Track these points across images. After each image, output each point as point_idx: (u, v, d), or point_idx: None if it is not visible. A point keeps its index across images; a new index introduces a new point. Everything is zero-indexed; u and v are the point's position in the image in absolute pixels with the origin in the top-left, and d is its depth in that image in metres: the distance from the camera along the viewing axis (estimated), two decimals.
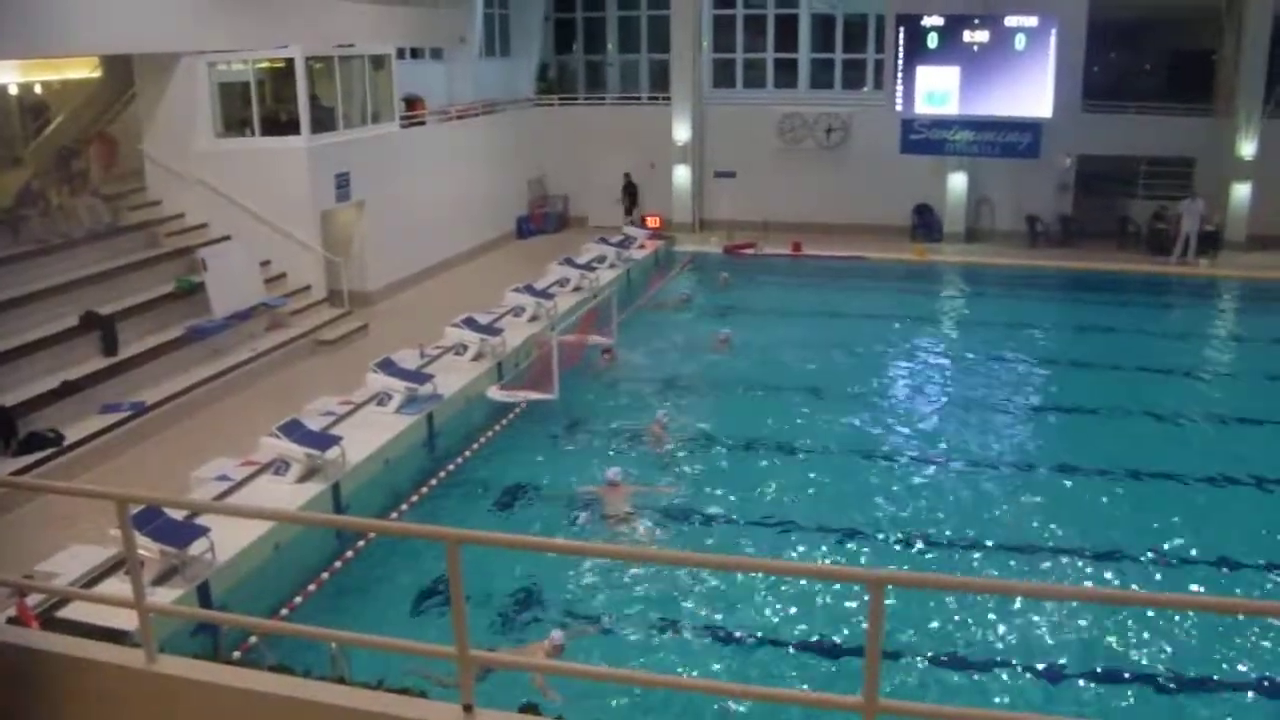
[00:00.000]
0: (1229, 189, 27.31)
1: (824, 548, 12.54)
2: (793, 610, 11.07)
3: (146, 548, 10.59)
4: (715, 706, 9.08)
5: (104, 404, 15.22)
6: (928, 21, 27.07)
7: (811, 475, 14.61)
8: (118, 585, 10.23)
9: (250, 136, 20.51)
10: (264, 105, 20.75)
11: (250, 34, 20.09)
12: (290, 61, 20.18)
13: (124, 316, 16.71)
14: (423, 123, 25.44)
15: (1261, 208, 26.98)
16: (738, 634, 10.77)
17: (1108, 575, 11.88)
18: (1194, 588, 11.55)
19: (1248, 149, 26.89)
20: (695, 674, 9.69)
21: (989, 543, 12.62)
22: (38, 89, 20.70)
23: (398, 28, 25.10)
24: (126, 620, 7.89)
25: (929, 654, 10.28)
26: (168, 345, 17.01)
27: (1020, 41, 26.56)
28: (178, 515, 11.24)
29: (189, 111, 20.01)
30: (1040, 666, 10.17)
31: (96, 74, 20.73)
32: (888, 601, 7.62)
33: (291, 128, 20.45)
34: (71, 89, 20.90)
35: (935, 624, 10.71)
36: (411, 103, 25.37)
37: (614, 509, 13.43)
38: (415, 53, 27.41)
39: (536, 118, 31.38)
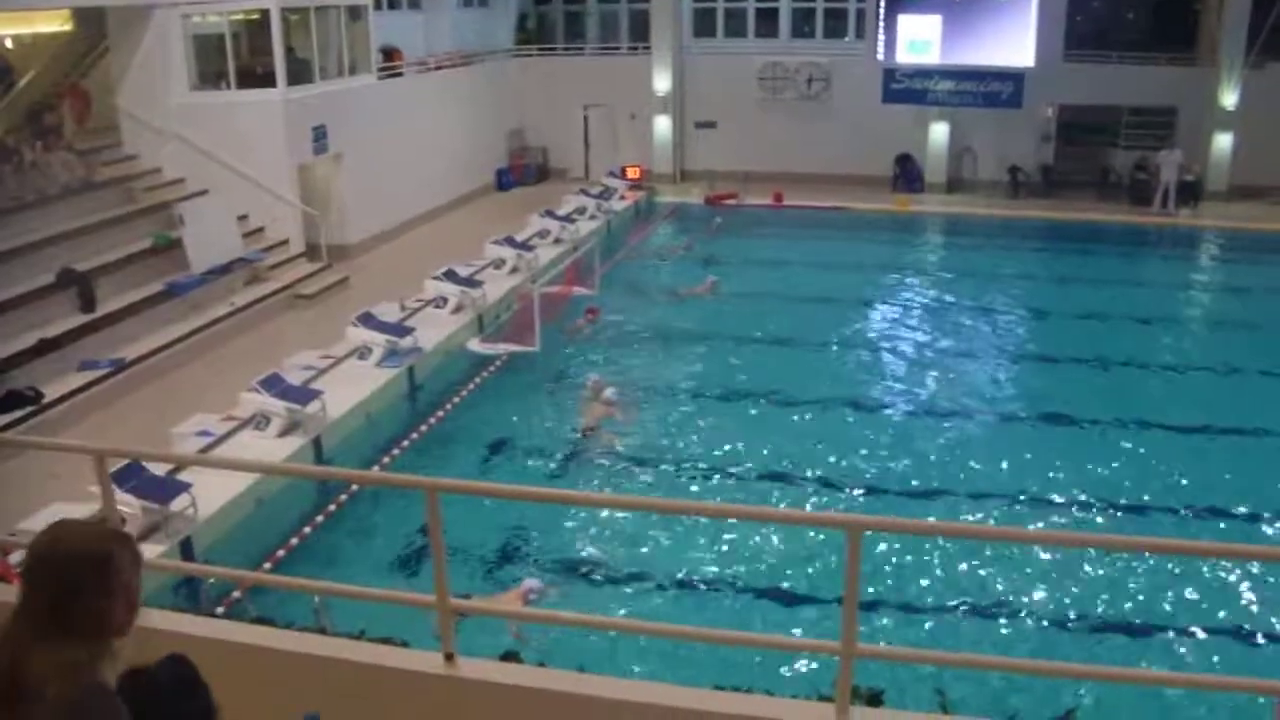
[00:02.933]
0: (1211, 139, 27.30)
1: (805, 495, 12.60)
2: (773, 556, 11.15)
3: (128, 504, 10.58)
4: (693, 652, 9.14)
5: (83, 361, 15.11)
6: None
7: (791, 423, 14.69)
8: None
9: (226, 89, 20.29)
10: (239, 57, 20.52)
11: None
12: (265, 12, 19.91)
13: (101, 273, 16.58)
14: (400, 74, 25.20)
15: (1243, 158, 26.98)
16: (717, 579, 10.85)
17: (1086, 520, 11.98)
18: (1170, 532, 11.67)
19: (1230, 99, 26.85)
20: (674, 620, 9.75)
21: (967, 490, 12.70)
22: (8, 43, 20.41)
23: None
24: None
25: (907, 600, 10.38)
26: (146, 301, 16.89)
27: None
28: (159, 472, 11.22)
29: (164, 64, 19.75)
30: (1021, 611, 10.29)
31: (69, 27, 20.44)
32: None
33: (267, 80, 20.20)
34: (43, 42, 20.62)
35: (914, 570, 10.82)
36: (389, 53, 25.10)
37: (591, 422, 14.23)
38: (392, 3, 27.06)
39: (515, 69, 31.11)
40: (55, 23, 20.30)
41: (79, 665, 2.88)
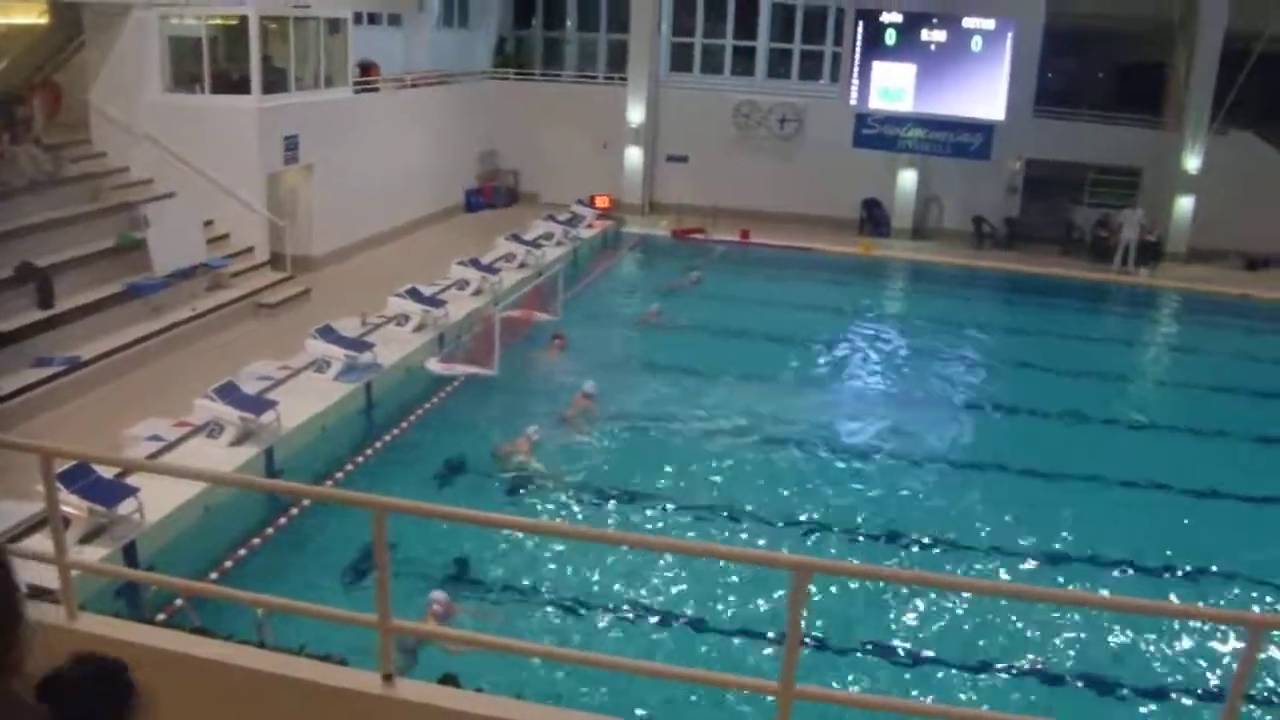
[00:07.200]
0: (1173, 201, 27.74)
1: (750, 534, 12.67)
2: (714, 593, 11.20)
3: (74, 505, 10.49)
4: (629, 685, 9.16)
5: (38, 357, 14.96)
6: (887, 18, 27.16)
7: (739, 459, 14.79)
8: (43, 542, 10.09)
9: (200, 93, 20.21)
10: (215, 62, 20.45)
11: None
12: (244, 19, 19.90)
13: (62, 269, 16.39)
14: (376, 89, 25.20)
15: (1203, 222, 27.44)
16: (658, 614, 10.88)
17: (1032, 571, 12.11)
18: (1109, 586, 11.80)
19: (1193, 163, 27.30)
20: (611, 651, 9.76)
21: (913, 536, 12.80)
22: None
23: None
24: (51, 577, 7.80)
25: (851, 643, 10.44)
26: (106, 301, 16.73)
27: (977, 43, 26.73)
28: (108, 474, 11.13)
29: (138, 64, 19.67)
30: (964, 659, 10.36)
31: (44, 20, 20.31)
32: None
33: (242, 86, 20.17)
34: (17, 34, 20.47)
35: (858, 614, 10.89)
36: (366, 68, 25.11)
37: (575, 415, 15.36)
38: (373, 18, 27.10)
39: (491, 91, 31.17)
40: (30, 15, 20.15)
41: None
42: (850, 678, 9.91)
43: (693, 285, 24.05)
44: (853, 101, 27.96)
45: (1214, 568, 12.29)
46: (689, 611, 10.95)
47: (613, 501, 13.31)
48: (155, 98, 19.89)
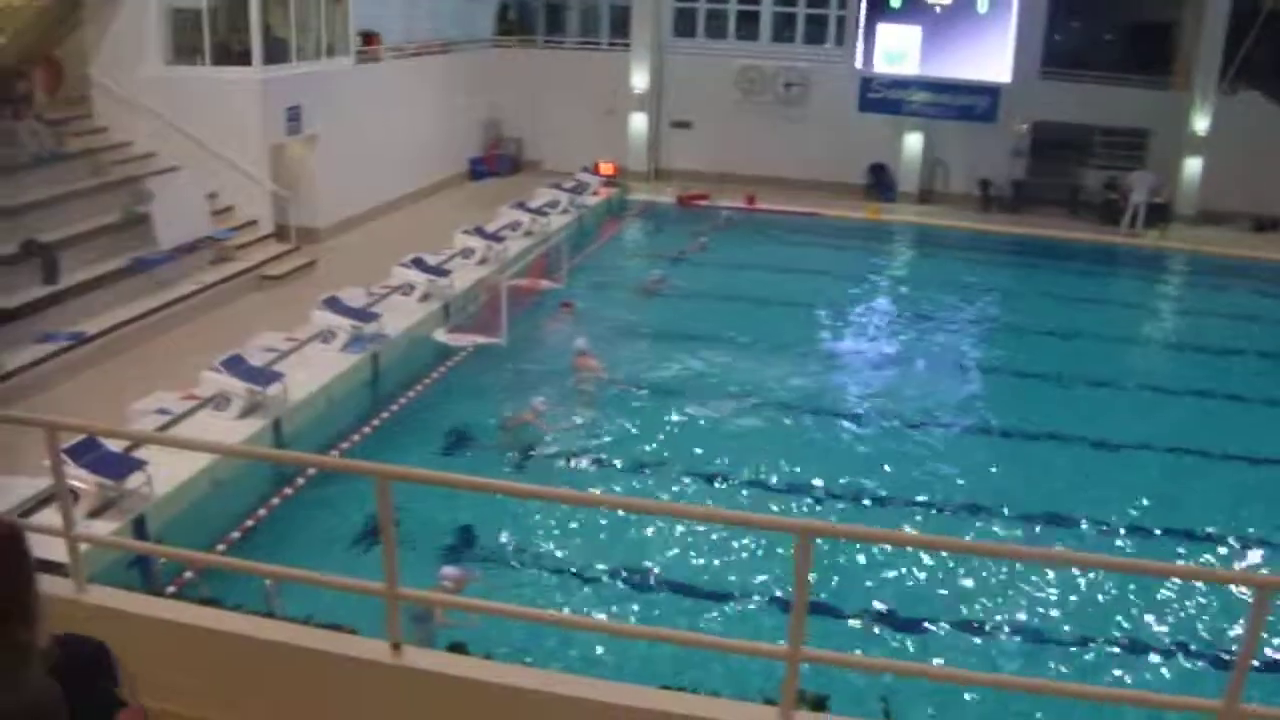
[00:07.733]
0: (1181, 163, 27.55)
1: (755, 498, 12.67)
2: (721, 559, 11.21)
3: (83, 479, 10.52)
4: (637, 650, 9.18)
5: (43, 333, 14.95)
6: None
7: (745, 427, 14.77)
8: (53, 516, 10.12)
9: (201, 65, 20.13)
10: (216, 34, 20.35)
11: None
12: None
13: (66, 245, 16.35)
14: (378, 59, 25.08)
15: (1212, 182, 27.24)
16: (665, 579, 10.89)
17: (1038, 534, 12.10)
18: (1120, 548, 11.80)
19: (1201, 124, 27.09)
20: (619, 618, 9.79)
21: (920, 499, 12.81)
22: None
23: None
24: (61, 551, 7.83)
25: (856, 607, 10.46)
26: (110, 276, 16.69)
27: (982, 5, 26.55)
28: (116, 448, 11.15)
29: (138, 37, 19.58)
30: (968, 622, 10.37)
31: None
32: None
33: (243, 58, 20.09)
34: (17, 9, 20.36)
35: (865, 578, 10.90)
36: (367, 37, 24.98)
37: (582, 379, 15.38)
38: None
39: (494, 58, 31.00)
40: None
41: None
42: (862, 646, 9.93)
43: (699, 251, 24.02)
44: (858, 65, 27.82)
45: (1221, 530, 12.28)
46: (697, 577, 10.96)
47: (619, 468, 13.31)
48: (156, 71, 19.81)
